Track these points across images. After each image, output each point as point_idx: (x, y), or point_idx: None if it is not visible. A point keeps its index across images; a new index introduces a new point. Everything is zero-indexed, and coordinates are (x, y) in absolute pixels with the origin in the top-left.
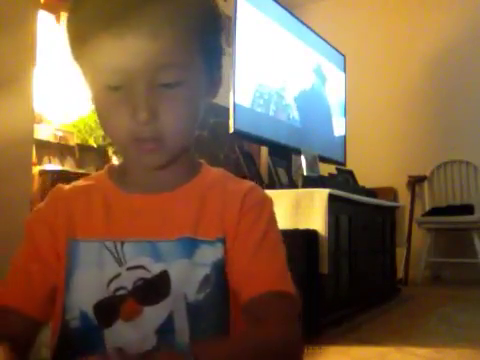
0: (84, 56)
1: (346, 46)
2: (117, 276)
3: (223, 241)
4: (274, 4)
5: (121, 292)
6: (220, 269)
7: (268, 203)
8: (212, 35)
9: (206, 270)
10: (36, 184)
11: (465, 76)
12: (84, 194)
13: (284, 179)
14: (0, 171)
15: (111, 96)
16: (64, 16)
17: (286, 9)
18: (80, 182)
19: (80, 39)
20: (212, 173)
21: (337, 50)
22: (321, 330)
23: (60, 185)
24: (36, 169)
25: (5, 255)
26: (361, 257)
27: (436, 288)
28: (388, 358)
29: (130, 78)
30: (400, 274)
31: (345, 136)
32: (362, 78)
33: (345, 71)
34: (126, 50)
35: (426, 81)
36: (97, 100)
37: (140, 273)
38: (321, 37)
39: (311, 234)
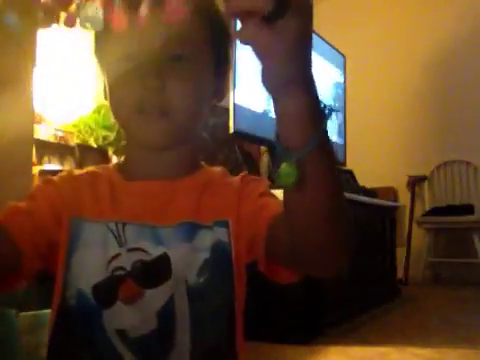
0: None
1: (346, 46)
2: (117, 256)
3: (222, 224)
4: None
5: (119, 272)
6: (219, 253)
7: (264, 180)
8: (220, 30)
9: (206, 254)
10: (36, 184)
11: (465, 76)
12: (92, 179)
13: None
14: (0, 171)
15: (123, 66)
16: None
17: None
18: (88, 169)
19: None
20: (212, 170)
21: (337, 50)
22: (321, 330)
23: (70, 169)
24: (36, 169)
25: None
26: (361, 257)
27: (436, 288)
28: (388, 358)
29: (144, 47)
30: (400, 274)
31: (345, 136)
32: (362, 78)
33: (345, 71)
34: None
35: (426, 81)
36: (110, 72)
37: (140, 255)
38: (321, 37)
39: None
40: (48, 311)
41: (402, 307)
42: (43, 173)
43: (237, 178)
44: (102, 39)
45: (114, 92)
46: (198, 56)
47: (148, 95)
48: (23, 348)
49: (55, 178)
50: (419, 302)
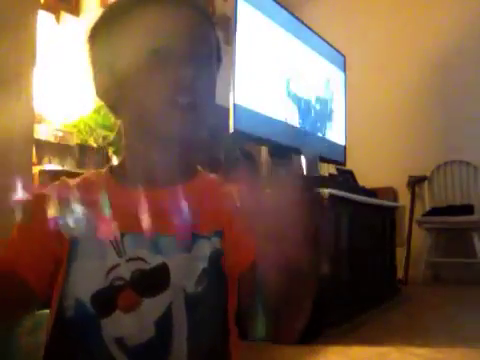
0: (125, 27)
1: (346, 46)
2: (116, 266)
3: (219, 234)
4: (274, 4)
5: (118, 282)
6: (215, 261)
7: None
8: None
9: (204, 263)
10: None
11: (465, 76)
12: (87, 187)
13: None
14: (0, 171)
15: (153, 59)
16: (64, 15)
17: (286, 9)
18: (83, 176)
19: (125, 14)
20: (209, 177)
21: (337, 50)
22: (321, 330)
23: (64, 178)
24: (36, 169)
25: None
26: (361, 257)
27: (436, 288)
28: (388, 358)
29: (175, 43)
30: (400, 274)
31: (345, 136)
32: (362, 78)
33: (345, 71)
34: (177, 16)
35: (426, 81)
36: (135, 67)
37: (139, 264)
38: (321, 37)
39: None
40: (48, 311)
41: (402, 307)
42: (43, 173)
43: (235, 189)
44: (118, 32)
45: (142, 86)
46: (214, 57)
47: (181, 87)
48: (23, 349)
49: (47, 192)
50: (419, 302)
